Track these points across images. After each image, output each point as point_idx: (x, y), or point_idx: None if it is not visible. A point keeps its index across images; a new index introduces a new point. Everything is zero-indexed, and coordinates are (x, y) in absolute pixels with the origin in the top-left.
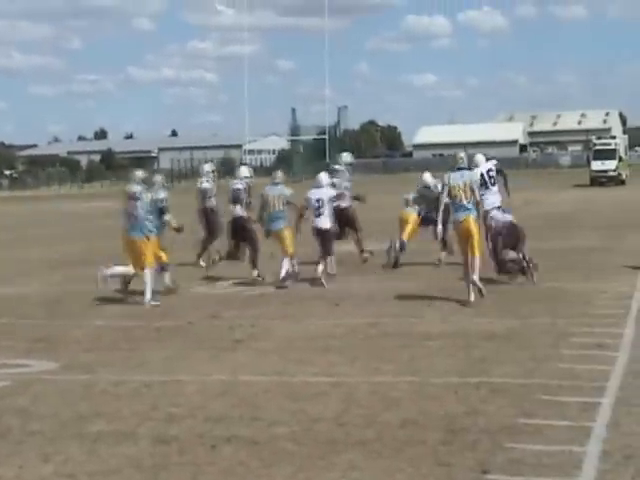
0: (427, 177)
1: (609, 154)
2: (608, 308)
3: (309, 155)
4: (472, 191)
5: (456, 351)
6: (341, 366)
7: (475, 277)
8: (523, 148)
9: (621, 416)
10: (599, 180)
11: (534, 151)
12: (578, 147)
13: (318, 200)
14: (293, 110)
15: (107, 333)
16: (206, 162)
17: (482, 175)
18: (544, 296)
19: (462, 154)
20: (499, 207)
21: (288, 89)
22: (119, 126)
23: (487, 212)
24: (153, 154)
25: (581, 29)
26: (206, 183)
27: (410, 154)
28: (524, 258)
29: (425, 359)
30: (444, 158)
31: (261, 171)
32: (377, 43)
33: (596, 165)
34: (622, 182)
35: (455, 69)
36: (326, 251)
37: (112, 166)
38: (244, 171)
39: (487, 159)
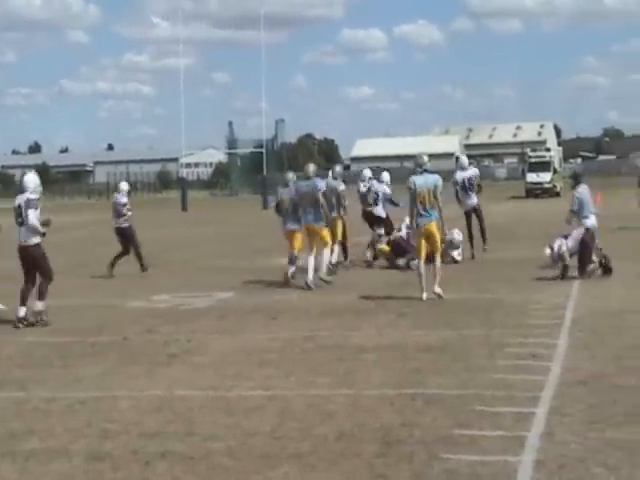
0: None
1: (544, 166)
2: (542, 319)
3: (247, 168)
4: (435, 197)
5: (392, 363)
6: (277, 380)
7: (437, 286)
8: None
9: (555, 426)
10: (534, 192)
11: (470, 163)
12: (514, 159)
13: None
14: (230, 123)
15: (40, 349)
16: (370, 168)
17: (464, 180)
18: (479, 307)
19: (425, 157)
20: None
21: (225, 102)
22: (54, 140)
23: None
24: (88, 168)
25: (517, 43)
26: (364, 187)
27: (348, 167)
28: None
29: (361, 372)
30: (382, 171)
31: (198, 184)
32: (314, 56)
33: (531, 177)
34: (557, 194)
35: (391, 82)
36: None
37: (47, 180)
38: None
39: (469, 164)
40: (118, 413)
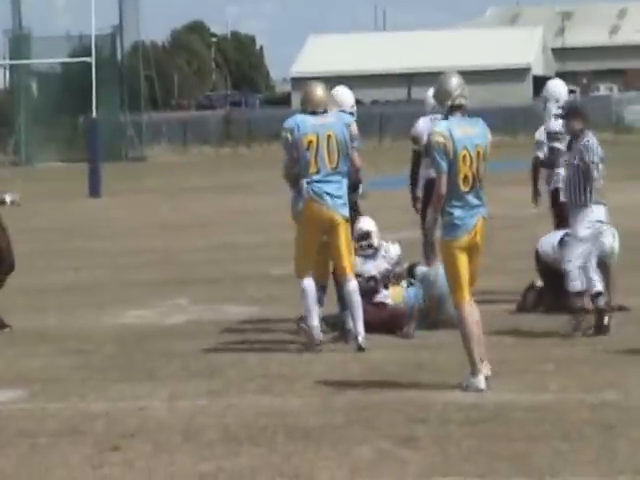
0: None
1: None
2: None
3: (53, 103)
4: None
5: None
6: None
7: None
8: (543, 85)
9: None
10: None
11: (569, 91)
12: None
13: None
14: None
15: None
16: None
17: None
18: (585, 422)
19: (457, 79)
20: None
21: None
22: None
23: None
24: None
25: None
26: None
27: (285, 99)
28: None
29: None
30: (367, 108)
31: None
32: None
33: None
34: None
35: None
36: None
37: None
38: None
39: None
40: None
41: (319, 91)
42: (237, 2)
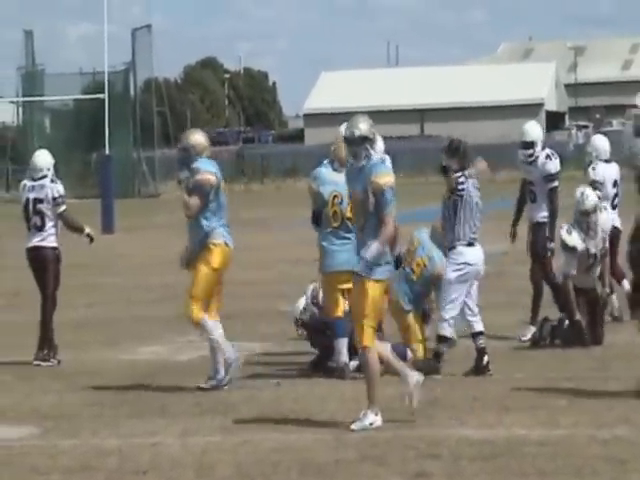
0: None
1: None
2: None
3: (65, 139)
4: None
5: None
6: None
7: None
8: (556, 121)
9: None
10: None
11: (581, 127)
12: None
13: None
14: (28, 35)
15: None
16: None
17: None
18: (605, 460)
19: (363, 125)
20: None
21: None
22: None
23: None
24: None
25: None
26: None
27: (298, 135)
28: None
29: None
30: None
31: None
32: None
33: None
34: None
35: None
36: None
37: None
38: None
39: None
40: None
41: (204, 137)
42: (249, 39)
